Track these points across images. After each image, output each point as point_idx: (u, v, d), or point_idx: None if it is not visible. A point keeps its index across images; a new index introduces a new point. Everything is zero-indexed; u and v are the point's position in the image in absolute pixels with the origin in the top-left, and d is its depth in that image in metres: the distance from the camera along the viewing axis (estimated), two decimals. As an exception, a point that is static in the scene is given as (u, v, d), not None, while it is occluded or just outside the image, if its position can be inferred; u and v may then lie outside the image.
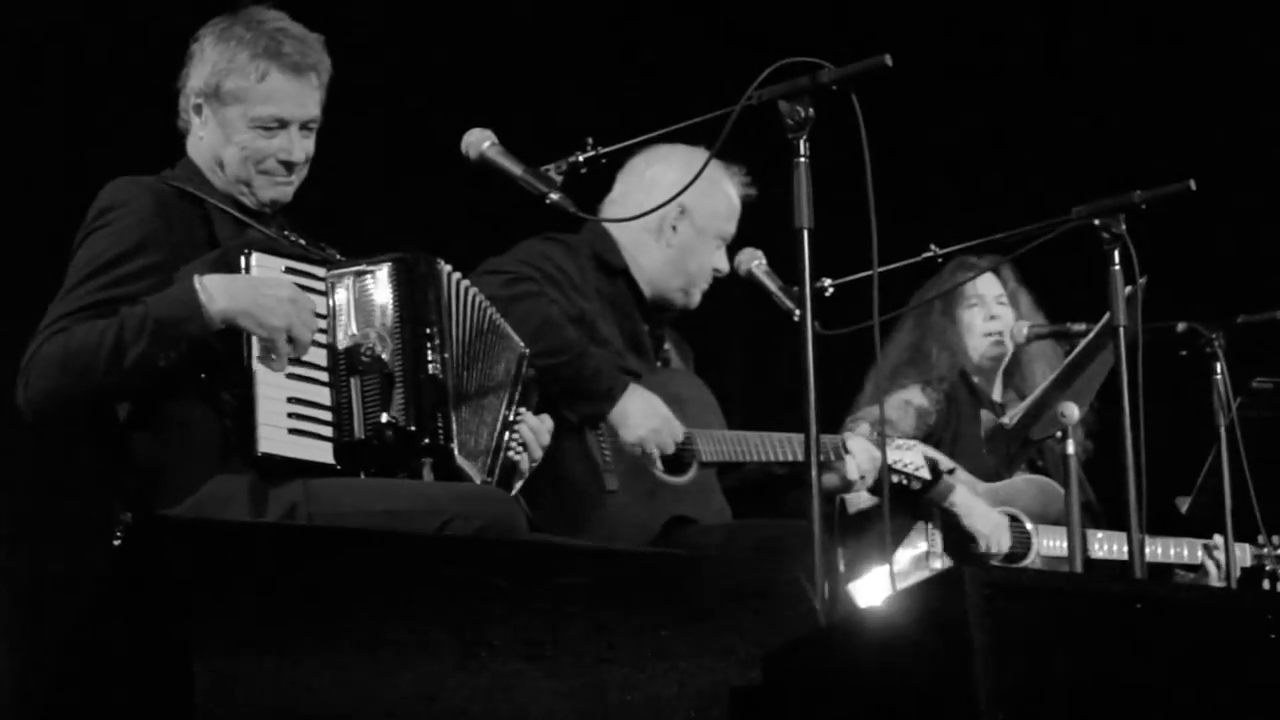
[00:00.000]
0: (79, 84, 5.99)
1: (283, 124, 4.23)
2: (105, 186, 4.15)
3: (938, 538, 5.98)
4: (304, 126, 4.27)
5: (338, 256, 4.25)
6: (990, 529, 5.97)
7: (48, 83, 5.97)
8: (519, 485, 4.40)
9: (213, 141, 4.25)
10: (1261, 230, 8.02)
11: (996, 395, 6.40)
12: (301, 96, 4.25)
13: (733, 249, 5.39)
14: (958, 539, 5.98)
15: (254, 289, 3.97)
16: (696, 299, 5.44)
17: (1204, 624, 3.32)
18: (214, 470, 3.95)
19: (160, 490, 3.95)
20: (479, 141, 4.33)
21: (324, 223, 4.41)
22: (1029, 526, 6.10)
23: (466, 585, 3.21)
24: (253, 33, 4.23)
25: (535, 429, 4.46)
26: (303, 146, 4.27)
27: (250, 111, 4.22)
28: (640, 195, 5.27)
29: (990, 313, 6.35)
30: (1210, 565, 6.29)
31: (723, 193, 5.40)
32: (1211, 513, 5.78)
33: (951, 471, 5.91)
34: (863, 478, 5.34)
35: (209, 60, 4.23)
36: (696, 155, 5.17)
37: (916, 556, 5.98)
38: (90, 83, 5.99)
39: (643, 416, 5.02)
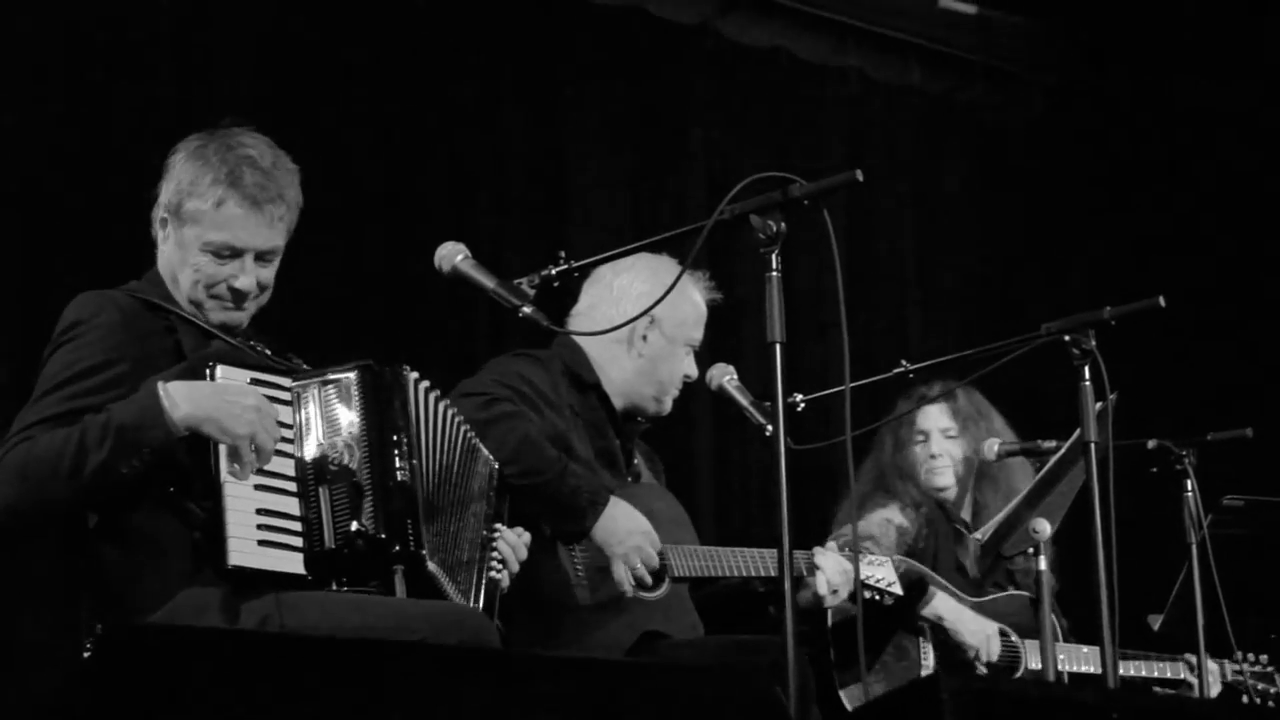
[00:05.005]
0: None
1: (235, 253, 4.17)
2: (72, 301, 4.13)
3: (930, 654, 5.91)
4: (260, 257, 4.20)
5: (304, 366, 4.23)
6: (979, 639, 5.92)
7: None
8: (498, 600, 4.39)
9: (171, 258, 4.22)
10: (1231, 347, 8.07)
11: (966, 514, 6.37)
12: (257, 227, 4.18)
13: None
14: (950, 650, 5.93)
15: (218, 395, 3.94)
16: (668, 406, 5.43)
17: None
18: (185, 582, 3.92)
19: (130, 602, 3.91)
20: (452, 255, 4.33)
21: (290, 332, 4.39)
22: (1017, 641, 6.05)
23: (441, 698, 3.17)
24: (219, 156, 4.18)
25: (513, 544, 4.49)
26: (257, 276, 4.20)
27: (204, 236, 4.16)
28: (609, 307, 5.27)
29: (931, 451, 6.30)
30: (1195, 680, 6.22)
31: (690, 300, 5.40)
32: (1184, 630, 5.76)
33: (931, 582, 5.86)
34: (835, 592, 5.30)
35: (176, 177, 4.21)
36: (662, 263, 5.19)
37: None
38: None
39: (626, 534, 4.96)
